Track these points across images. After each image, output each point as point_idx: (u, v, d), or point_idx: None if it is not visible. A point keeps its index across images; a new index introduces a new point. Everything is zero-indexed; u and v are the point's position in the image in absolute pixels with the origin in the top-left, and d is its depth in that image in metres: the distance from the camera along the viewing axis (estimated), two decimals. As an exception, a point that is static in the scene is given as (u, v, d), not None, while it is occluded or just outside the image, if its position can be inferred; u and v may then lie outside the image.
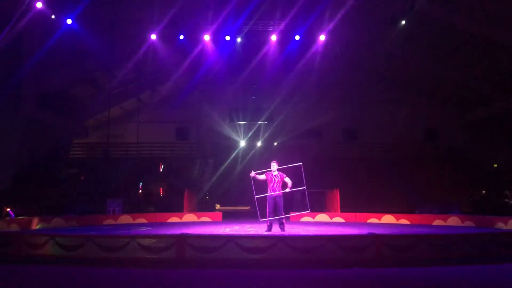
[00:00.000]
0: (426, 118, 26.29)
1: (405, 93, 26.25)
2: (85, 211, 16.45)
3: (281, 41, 20.61)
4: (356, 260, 7.21)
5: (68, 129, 24.02)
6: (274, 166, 10.70)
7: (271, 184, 10.51)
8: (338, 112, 25.89)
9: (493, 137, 23.46)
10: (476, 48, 19.52)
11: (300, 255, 7.24)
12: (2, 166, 18.37)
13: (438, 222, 14.82)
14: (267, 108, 25.20)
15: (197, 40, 20.25)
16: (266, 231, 10.47)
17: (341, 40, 21.42)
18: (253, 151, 24.49)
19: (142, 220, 16.01)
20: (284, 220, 10.71)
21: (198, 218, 17.12)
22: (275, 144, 25.38)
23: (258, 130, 25.81)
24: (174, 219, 16.64)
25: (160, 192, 20.39)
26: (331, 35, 20.14)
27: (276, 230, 10.58)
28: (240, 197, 26.38)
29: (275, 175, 10.60)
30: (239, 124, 25.98)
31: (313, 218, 16.90)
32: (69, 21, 18.08)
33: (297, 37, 20.06)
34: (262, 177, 10.66)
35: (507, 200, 17.27)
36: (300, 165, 10.73)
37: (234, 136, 25.76)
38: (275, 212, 10.49)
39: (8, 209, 14.48)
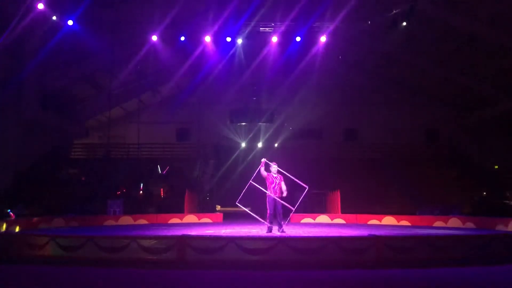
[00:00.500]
0: (426, 119, 26.27)
1: (405, 94, 26.24)
2: (86, 212, 16.45)
3: (282, 42, 20.60)
4: (356, 262, 7.21)
5: (69, 129, 24.04)
6: (274, 167, 10.71)
7: (273, 186, 10.50)
8: (339, 112, 25.89)
9: (494, 138, 23.45)
10: (477, 49, 19.52)
11: (300, 257, 7.23)
12: (2, 166, 18.39)
13: (438, 223, 14.80)
14: (268, 109, 25.19)
15: (198, 41, 20.25)
16: (266, 232, 10.47)
17: (342, 41, 21.41)
18: (253, 152, 24.47)
19: (142, 221, 16.01)
20: (283, 222, 10.73)
21: (199, 219, 17.12)
22: (276, 145, 25.37)
23: (258, 131, 25.80)
24: (174, 220, 16.63)
25: (160, 193, 20.38)
26: (332, 36, 20.14)
27: (275, 231, 10.59)
28: (242, 198, 26.28)
29: (275, 177, 10.61)
30: (240, 125, 25.97)
31: (314, 219, 16.89)
32: (70, 22, 18.10)
33: (298, 38, 20.04)
34: (264, 173, 10.60)
35: (507, 201, 17.25)
36: (306, 188, 10.84)
37: (234, 137, 25.75)
38: (275, 214, 10.50)
39: (9, 210, 14.50)
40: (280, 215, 10.55)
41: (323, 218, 16.95)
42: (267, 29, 19.92)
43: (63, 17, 18.01)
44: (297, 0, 17.89)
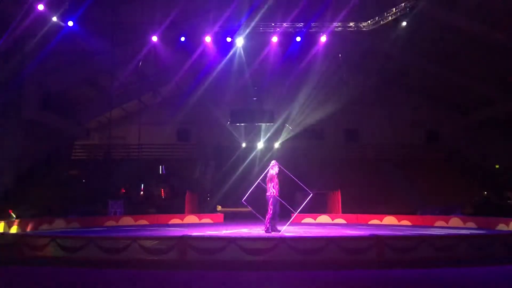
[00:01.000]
0: (427, 119, 26.27)
1: (406, 95, 26.23)
2: (87, 213, 16.45)
3: (282, 42, 20.61)
4: (357, 262, 7.20)
5: (70, 130, 24.04)
6: (276, 168, 10.72)
7: (277, 186, 10.55)
8: (340, 113, 25.84)
9: (495, 138, 23.42)
10: (477, 49, 19.51)
11: (301, 257, 7.23)
12: (4, 167, 18.39)
13: (439, 223, 14.81)
14: (268, 109, 25.17)
15: (198, 41, 20.25)
16: (267, 232, 10.47)
17: (342, 41, 21.41)
18: (254, 152, 24.45)
19: (143, 221, 16.02)
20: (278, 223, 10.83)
21: (200, 219, 17.13)
22: (276, 145, 25.36)
23: (259, 131, 25.77)
24: (175, 220, 16.64)
25: (161, 194, 20.38)
26: (332, 36, 20.14)
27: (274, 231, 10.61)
28: (241, 198, 26.27)
29: (277, 176, 10.66)
30: (240, 125, 25.95)
31: (315, 219, 16.90)
32: (70, 23, 18.11)
33: (298, 39, 20.05)
34: (273, 174, 10.61)
35: (509, 201, 17.24)
36: (311, 194, 10.83)
37: (235, 137, 25.73)
38: (275, 214, 10.53)
39: (10, 211, 14.50)
40: (277, 215, 10.64)
41: (324, 218, 16.96)
42: (267, 29, 19.93)
43: (64, 18, 18.03)
44: (297, 0, 17.90)
